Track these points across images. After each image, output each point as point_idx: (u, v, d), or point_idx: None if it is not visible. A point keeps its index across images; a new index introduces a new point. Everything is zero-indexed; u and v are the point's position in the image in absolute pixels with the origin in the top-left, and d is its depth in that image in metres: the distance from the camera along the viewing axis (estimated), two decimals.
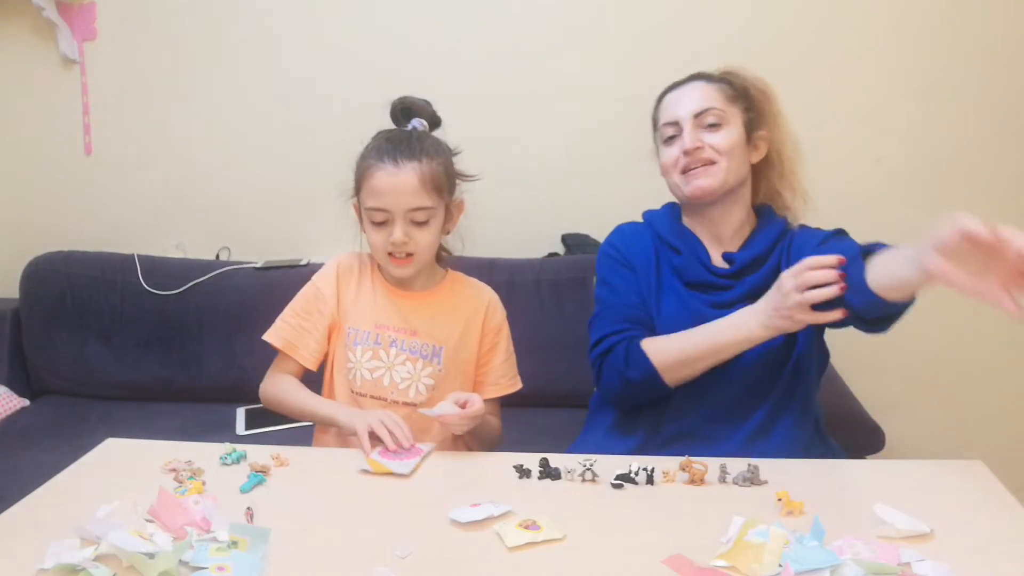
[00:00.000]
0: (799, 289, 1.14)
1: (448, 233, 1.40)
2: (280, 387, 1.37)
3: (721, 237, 1.40)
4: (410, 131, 1.35)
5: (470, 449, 1.39)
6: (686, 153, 1.33)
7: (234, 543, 0.90)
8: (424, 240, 1.32)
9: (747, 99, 1.38)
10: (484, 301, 1.44)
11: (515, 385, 1.45)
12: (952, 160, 2.23)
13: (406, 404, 1.35)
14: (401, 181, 1.27)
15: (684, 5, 2.21)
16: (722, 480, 1.09)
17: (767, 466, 1.10)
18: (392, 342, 1.36)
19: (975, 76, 2.19)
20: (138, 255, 2.27)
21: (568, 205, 2.31)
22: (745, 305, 1.26)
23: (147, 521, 0.96)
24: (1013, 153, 2.22)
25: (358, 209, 1.37)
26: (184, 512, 0.96)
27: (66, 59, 2.32)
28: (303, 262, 2.25)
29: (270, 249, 2.34)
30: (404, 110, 1.37)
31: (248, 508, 1.00)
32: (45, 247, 2.30)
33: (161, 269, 2.27)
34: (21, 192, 2.43)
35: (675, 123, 1.36)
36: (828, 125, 2.23)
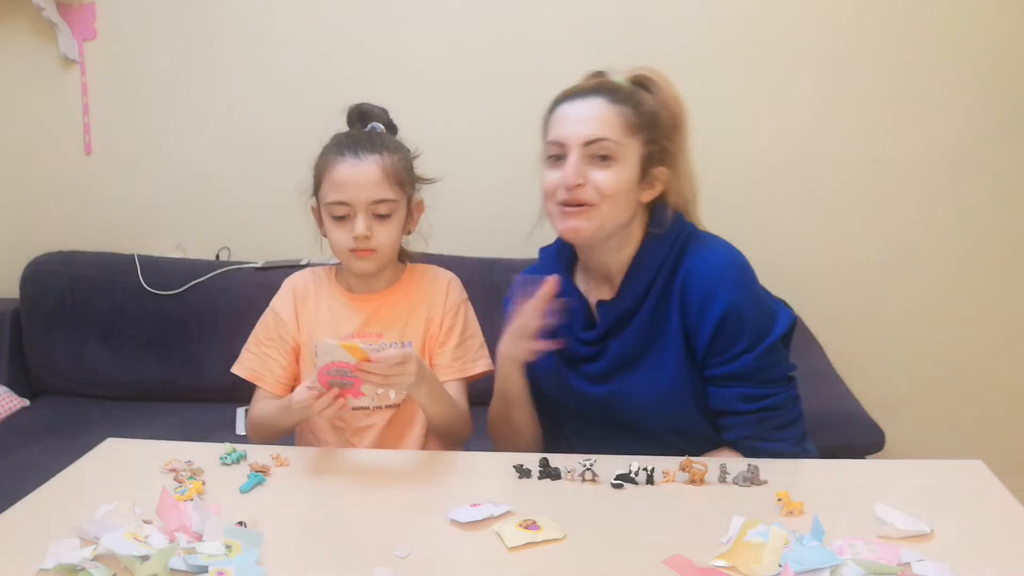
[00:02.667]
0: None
1: (409, 233, 1.39)
2: (253, 415, 1.38)
3: (611, 276, 1.26)
4: (369, 130, 1.35)
5: (438, 436, 1.36)
6: (564, 185, 1.18)
7: (228, 547, 0.90)
8: (387, 236, 1.30)
9: (652, 128, 1.19)
10: (443, 285, 1.41)
11: (471, 369, 1.38)
12: (952, 160, 2.23)
13: (388, 407, 1.35)
14: (363, 172, 1.27)
15: (683, 4, 2.21)
16: (722, 480, 1.09)
17: (767, 466, 1.10)
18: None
19: (975, 76, 2.19)
20: (138, 255, 2.28)
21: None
22: (619, 377, 1.24)
23: (144, 522, 0.96)
24: (1013, 153, 2.22)
25: (316, 211, 1.37)
26: (180, 516, 0.96)
27: (66, 59, 2.32)
28: (303, 262, 2.25)
29: (270, 249, 2.34)
30: (360, 115, 1.37)
31: (240, 522, 0.97)
32: (45, 247, 2.30)
33: (161, 269, 2.27)
34: (21, 192, 2.43)
35: (562, 144, 1.19)
36: (827, 125, 2.23)
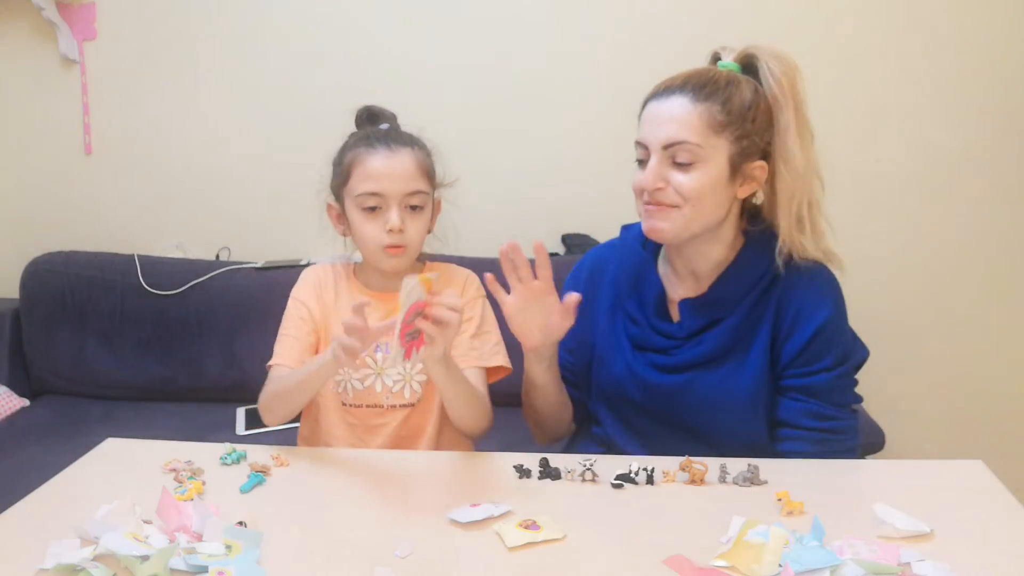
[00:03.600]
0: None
1: (430, 232, 1.36)
2: (268, 388, 1.30)
3: (697, 273, 1.24)
4: (392, 127, 1.34)
5: (457, 420, 1.30)
6: (645, 190, 1.16)
7: (228, 547, 0.90)
8: (417, 232, 1.28)
9: (742, 123, 1.13)
10: (460, 280, 1.39)
11: (488, 360, 1.35)
12: (952, 160, 2.23)
13: (403, 406, 1.34)
14: (398, 164, 1.25)
15: (682, 5, 2.21)
16: (722, 480, 1.09)
17: (767, 466, 1.10)
18: (376, 347, 1.31)
19: (976, 76, 2.19)
20: (138, 255, 2.28)
21: (568, 205, 2.31)
22: (697, 371, 1.22)
23: (144, 522, 0.96)
24: (1013, 153, 2.22)
25: (333, 210, 1.34)
26: (180, 516, 0.96)
27: (66, 59, 2.32)
28: (303, 262, 2.25)
29: (270, 249, 2.34)
30: (371, 116, 1.36)
31: (240, 522, 0.98)
32: (45, 247, 2.30)
33: (161, 269, 2.27)
34: (21, 192, 2.43)
35: (644, 146, 1.17)
36: (828, 125, 2.20)
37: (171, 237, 2.41)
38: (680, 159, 1.13)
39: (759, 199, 1.24)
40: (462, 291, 1.38)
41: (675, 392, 1.24)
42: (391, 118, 1.36)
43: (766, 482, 1.08)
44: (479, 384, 1.33)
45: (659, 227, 1.17)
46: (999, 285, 2.30)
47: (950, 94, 2.20)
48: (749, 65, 1.18)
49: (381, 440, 1.33)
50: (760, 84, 1.15)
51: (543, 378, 1.28)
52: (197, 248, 2.40)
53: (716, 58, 1.22)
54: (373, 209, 1.26)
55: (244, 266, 2.27)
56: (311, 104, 2.31)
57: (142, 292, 2.23)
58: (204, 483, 1.09)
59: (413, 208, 1.27)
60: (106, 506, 0.99)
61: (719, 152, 1.13)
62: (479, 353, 1.35)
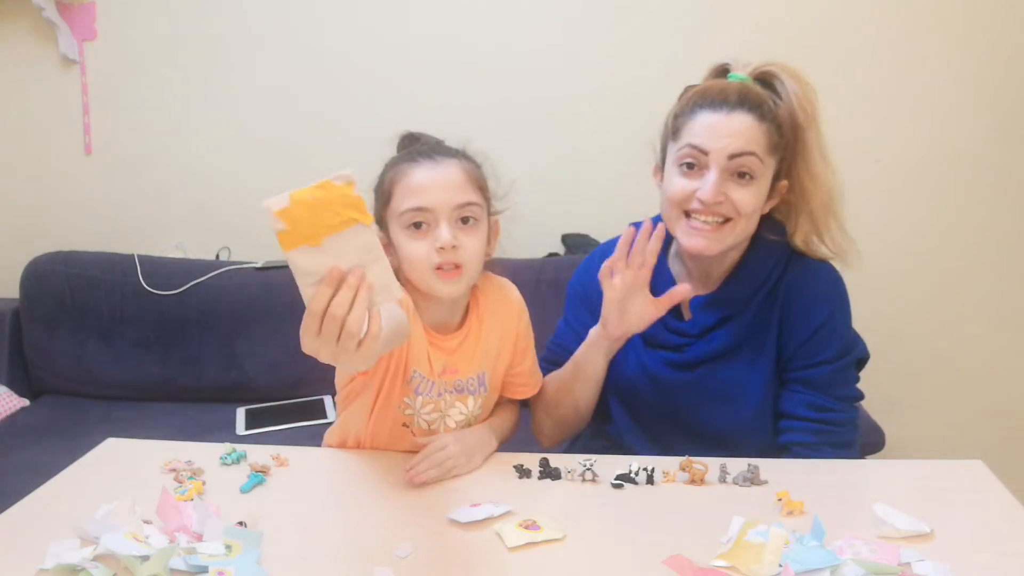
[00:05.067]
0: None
1: (489, 256, 1.20)
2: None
3: (709, 273, 1.26)
4: (434, 141, 1.21)
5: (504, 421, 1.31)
6: (702, 201, 1.14)
7: (228, 547, 0.90)
8: (474, 250, 1.12)
9: (784, 144, 1.17)
10: (514, 309, 1.28)
11: (533, 390, 1.33)
12: (952, 160, 2.23)
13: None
14: (443, 174, 1.11)
15: (682, 5, 2.21)
16: (722, 480, 1.09)
17: (767, 466, 1.10)
18: (441, 392, 1.19)
19: (976, 76, 2.19)
20: (138, 255, 2.28)
21: (568, 205, 2.31)
22: (709, 366, 1.24)
23: (144, 522, 0.96)
24: (1013, 153, 2.22)
25: (381, 240, 1.14)
26: (180, 516, 0.96)
27: (66, 59, 2.32)
28: None
29: (270, 249, 2.33)
30: (412, 141, 1.23)
31: (240, 522, 0.98)
32: (45, 247, 2.30)
33: (161, 269, 2.27)
34: (21, 192, 2.43)
35: (704, 152, 1.14)
36: (828, 125, 2.20)
37: (171, 237, 2.41)
38: (744, 171, 1.13)
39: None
40: (518, 316, 1.28)
41: (686, 388, 1.25)
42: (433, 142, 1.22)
43: (766, 482, 1.08)
44: (515, 411, 1.34)
45: (707, 246, 1.16)
46: (999, 285, 2.30)
47: (950, 94, 2.20)
48: (764, 82, 1.18)
49: None
50: (780, 101, 1.17)
51: (601, 370, 1.28)
52: (197, 248, 2.40)
53: (724, 70, 1.21)
54: (419, 226, 1.10)
55: (244, 266, 2.27)
56: (312, 105, 2.31)
57: (142, 292, 2.22)
58: (204, 483, 1.09)
59: (465, 221, 1.11)
60: (106, 506, 0.99)
61: (769, 170, 1.16)
62: (536, 380, 1.33)
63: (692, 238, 1.17)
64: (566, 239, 2.30)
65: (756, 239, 1.23)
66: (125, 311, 2.24)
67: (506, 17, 2.25)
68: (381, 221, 1.16)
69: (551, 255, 2.28)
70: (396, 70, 2.28)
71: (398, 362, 1.15)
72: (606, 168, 2.27)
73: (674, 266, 1.31)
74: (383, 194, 1.15)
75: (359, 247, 0.80)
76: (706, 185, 1.13)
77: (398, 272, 1.01)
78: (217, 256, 2.36)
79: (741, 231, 1.17)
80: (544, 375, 1.34)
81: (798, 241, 1.22)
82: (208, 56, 2.33)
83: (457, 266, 1.10)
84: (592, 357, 1.27)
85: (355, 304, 0.80)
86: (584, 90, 2.26)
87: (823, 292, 1.22)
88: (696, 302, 1.25)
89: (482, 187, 1.16)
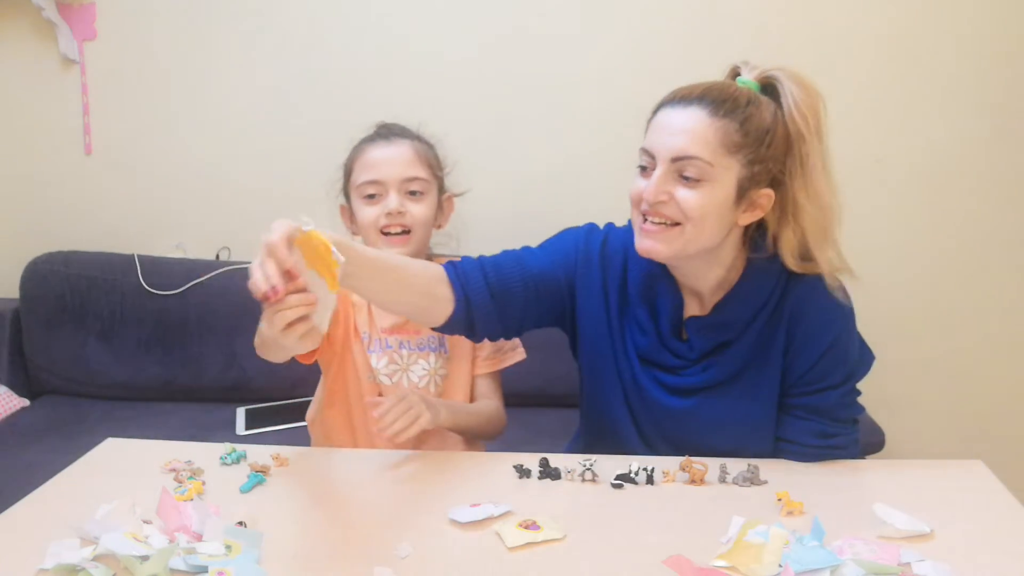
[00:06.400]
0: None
1: (440, 227, 1.39)
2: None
3: (699, 292, 1.19)
4: (393, 125, 1.37)
5: (472, 438, 1.38)
6: (646, 200, 1.09)
7: (228, 547, 0.90)
8: (420, 213, 1.30)
9: (757, 147, 1.07)
10: None
11: (508, 359, 1.39)
12: (952, 160, 2.23)
13: None
14: (394, 152, 1.30)
15: (682, 6, 2.21)
16: (722, 480, 1.09)
17: (767, 466, 1.10)
18: (401, 343, 1.35)
19: (975, 76, 2.19)
20: (138, 255, 2.27)
21: (568, 205, 2.31)
22: (706, 394, 1.18)
23: (144, 522, 0.96)
24: (1013, 153, 2.22)
25: (346, 210, 1.37)
26: (180, 516, 0.96)
27: (66, 59, 2.32)
28: None
29: None
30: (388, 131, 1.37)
31: (240, 522, 0.98)
32: (45, 247, 2.30)
33: (161, 269, 2.27)
34: (21, 192, 2.42)
35: (651, 155, 1.09)
36: (830, 125, 2.22)
37: (171, 237, 2.41)
38: (688, 174, 1.06)
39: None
40: None
41: (681, 415, 1.20)
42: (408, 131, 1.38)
43: (766, 482, 1.08)
44: (491, 391, 1.38)
45: (653, 248, 1.10)
46: (999, 285, 2.30)
47: (950, 94, 2.20)
48: (769, 87, 1.11)
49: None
50: (780, 108, 1.10)
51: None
52: (197, 248, 2.40)
53: (735, 73, 1.16)
54: (373, 197, 1.30)
55: (244, 266, 2.25)
56: (311, 104, 2.31)
57: (142, 292, 2.22)
58: (204, 483, 1.09)
59: (413, 193, 1.30)
60: (106, 506, 0.99)
61: (729, 173, 1.06)
62: (501, 355, 1.39)
63: (642, 239, 1.11)
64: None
65: (749, 258, 1.16)
66: (125, 311, 2.24)
67: (508, 17, 2.25)
68: (345, 193, 1.36)
69: None
70: (396, 70, 2.27)
71: (345, 333, 1.32)
72: (606, 169, 2.26)
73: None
74: (347, 170, 1.35)
75: (320, 288, 0.95)
76: (649, 183, 1.08)
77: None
78: (217, 256, 2.36)
79: (693, 236, 1.08)
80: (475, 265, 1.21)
81: (787, 260, 1.12)
82: (208, 56, 2.33)
83: (406, 231, 1.29)
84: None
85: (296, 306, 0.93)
86: (583, 90, 2.26)
87: (830, 313, 1.14)
88: (694, 324, 1.18)
89: (431, 165, 1.34)
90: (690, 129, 1.06)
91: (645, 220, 1.11)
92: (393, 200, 1.28)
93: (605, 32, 2.23)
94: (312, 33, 2.29)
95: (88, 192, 2.41)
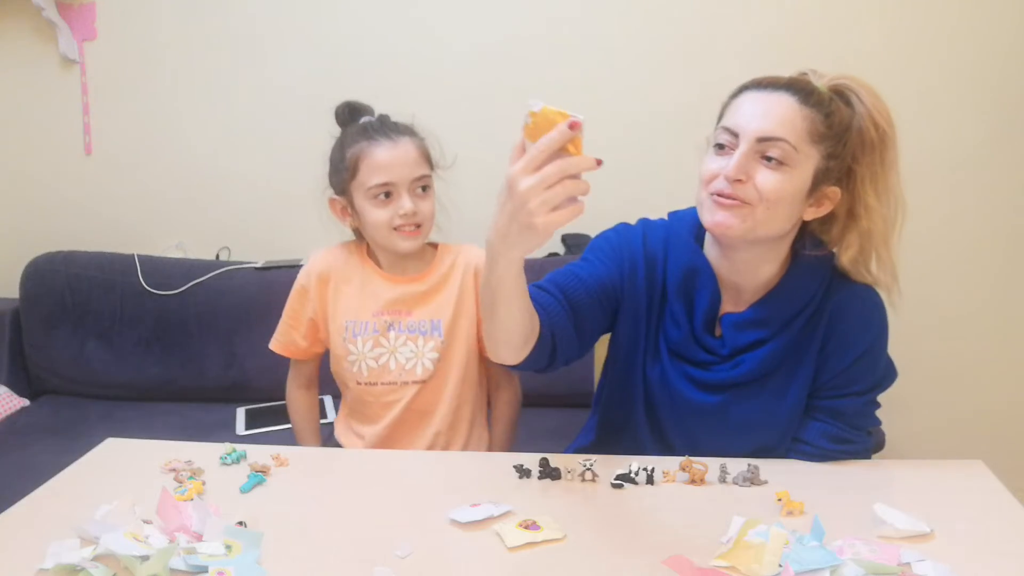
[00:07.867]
0: (539, 188, 0.94)
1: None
2: (293, 411, 1.55)
3: (741, 287, 1.18)
4: (384, 117, 1.40)
5: (503, 432, 1.46)
6: (725, 177, 1.07)
7: (228, 547, 0.90)
8: (428, 209, 1.37)
9: (837, 142, 1.08)
10: (471, 262, 1.43)
11: None
12: (952, 160, 2.23)
13: (414, 383, 1.39)
14: (402, 153, 1.33)
15: (682, 7, 2.21)
16: (722, 480, 1.09)
17: (767, 466, 1.10)
18: (390, 326, 1.39)
19: (977, 76, 2.18)
20: (138, 255, 2.27)
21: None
22: (735, 392, 1.18)
23: (144, 522, 0.96)
24: (1014, 153, 2.22)
25: (338, 204, 1.40)
26: (180, 516, 0.96)
27: (66, 59, 2.32)
28: (303, 262, 2.25)
29: (270, 249, 2.34)
30: (352, 111, 1.41)
31: (240, 522, 0.98)
32: (45, 247, 2.30)
33: (161, 269, 2.27)
34: (21, 192, 2.43)
35: (734, 133, 1.07)
36: None
37: (171, 237, 2.41)
38: (771, 154, 1.05)
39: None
40: (475, 277, 1.43)
41: (706, 411, 1.20)
42: (370, 111, 1.42)
43: (766, 482, 1.08)
44: (508, 377, 1.49)
45: (728, 222, 1.07)
46: (999, 285, 2.30)
47: (951, 94, 2.20)
48: (840, 95, 1.12)
49: (394, 415, 1.39)
50: (855, 113, 1.11)
51: (516, 281, 1.02)
52: (197, 248, 2.40)
53: (803, 74, 1.14)
54: (386, 196, 1.33)
55: (244, 266, 2.27)
56: (311, 104, 2.29)
57: (142, 292, 2.22)
58: (204, 483, 1.09)
59: (424, 190, 1.36)
60: (106, 506, 1.00)
61: (809, 162, 1.07)
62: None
63: (716, 212, 1.08)
64: (566, 239, 2.29)
65: (797, 255, 1.16)
66: (125, 311, 2.24)
67: (507, 12, 2.25)
68: (344, 190, 1.37)
69: (551, 255, 2.28)
70: (395, 69, 2.27)
71: (326, 320, 1.42)
72: (606, 168, 2.26)
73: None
74: (348, 168, 1.35)
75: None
76: (731, 160, 1.06)
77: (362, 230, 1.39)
78: (217, 256, 2.37)
79: (764, 219, 1.07)
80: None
81: (845, 261, 1.13)
82: (208, 56, 2.33)
83: (418, 226, 1.35)
84: (506, 275, 1.01)
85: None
86: (583, 90, 2.26)
87: (867, 319, 1.17)
88: (729, 320, 1.17)
89: (429, 159, 1.39)
90: (779, 113, 1.06)
91: (715, 195, 1.09)
92: (407, 202, 1.32)
93: (605, 32, 2.23)
94: (313, 33, 2.29)
95: (88, 192, 2.41)
